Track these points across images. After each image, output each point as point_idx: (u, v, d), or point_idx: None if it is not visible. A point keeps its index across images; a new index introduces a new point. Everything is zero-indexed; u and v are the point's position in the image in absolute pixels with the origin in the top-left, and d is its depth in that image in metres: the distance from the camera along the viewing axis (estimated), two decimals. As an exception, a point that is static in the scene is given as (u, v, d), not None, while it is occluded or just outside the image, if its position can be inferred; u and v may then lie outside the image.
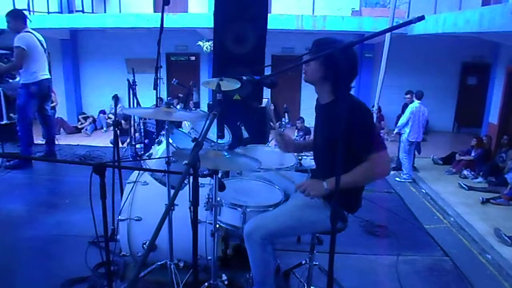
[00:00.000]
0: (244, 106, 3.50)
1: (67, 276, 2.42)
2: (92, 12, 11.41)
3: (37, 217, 3.33)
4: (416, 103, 7.35)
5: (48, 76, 4.56)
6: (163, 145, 2.25)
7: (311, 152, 2.24)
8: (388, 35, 6.82)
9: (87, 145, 6.40)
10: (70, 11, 11.38)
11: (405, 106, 8.49)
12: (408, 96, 7.71)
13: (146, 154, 2.45)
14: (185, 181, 1.76)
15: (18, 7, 8.09)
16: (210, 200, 1.99)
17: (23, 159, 4.63)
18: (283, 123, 2.76)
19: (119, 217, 2.36)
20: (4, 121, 5.17)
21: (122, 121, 8.34)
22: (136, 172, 2.55)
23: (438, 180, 7.58)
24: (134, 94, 4.92)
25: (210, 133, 1.92)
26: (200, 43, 10.43)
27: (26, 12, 4.66)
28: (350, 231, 2.05)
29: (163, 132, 2.26)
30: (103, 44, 12.06)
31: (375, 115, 7.24)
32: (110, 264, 1.86)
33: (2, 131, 4.98)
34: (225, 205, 2.01)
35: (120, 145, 6.05)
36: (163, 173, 2.24)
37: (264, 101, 3.85)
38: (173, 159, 2.07)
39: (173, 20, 9.58)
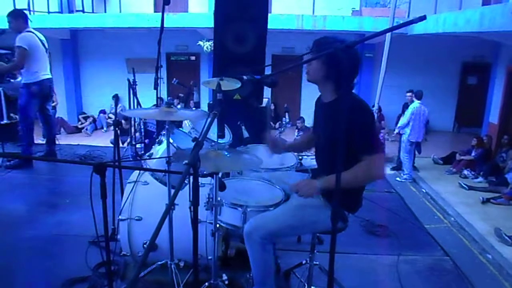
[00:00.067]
0: (245, 105, 3.50)
1: (68, 276, 2.42)
2: (92, 12, 11.41)
3: (38, 217, 3.33)
4: (417, 103, 7.34)
5: (50, 76, 4.56)
6: (164, 145, 2.25)
7: (312, 152, 2.24)
8: (388, 35, 6.80)
9: (88, 145, 6.41)
10: (70, 11, 11.38)
11: (405, 106, 8.48)
12: (409, 94, 7.70)
13: (147, 154, 2.45)
14: (186, 181, 1.76)
15: (18, 7, 8.13)
16: (211, 199, 1.99)
17: (23, 159, 4.63)
18: (284, 122, 2.76)
19: (120, 217, 2.36)
20: (5, 121, 5.17)
21: (123, 121, 8.35)
22: (137, 172, 2.55)
23: (438, 180, 7.58)
24: (135, 94, 4.91)
25: (211, 133, 1.92)
26: (201, 42, 10.43)
27: (26, 12, 4.66)
28: (351, 231, 2.05)
29: (164, 132, 2.26)
30: (103, 44, 12.06)
31: (375, 115, 7.22)
32: (111, 264, 1.86)
33: (3, 131, 4.98)
34: (226, 205, 2.01)
35: (121, 145, 6.06)
36: (163, 173, 2.24)
37: (265, 100, 3.85)
38: (173, 159, 2.07)
39: (173, 20, 9.58)
